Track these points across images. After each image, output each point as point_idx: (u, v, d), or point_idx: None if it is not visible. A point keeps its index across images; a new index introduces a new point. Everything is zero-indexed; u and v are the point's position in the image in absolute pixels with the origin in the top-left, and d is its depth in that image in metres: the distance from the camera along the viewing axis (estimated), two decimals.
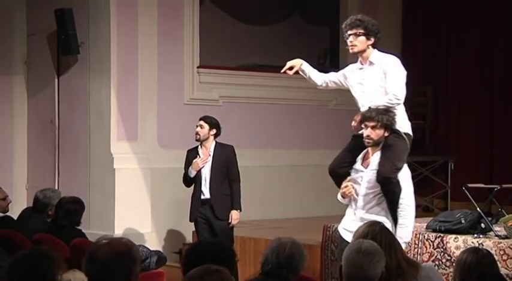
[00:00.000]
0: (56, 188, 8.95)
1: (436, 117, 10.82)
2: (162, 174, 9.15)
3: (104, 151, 9.07)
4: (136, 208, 9.04)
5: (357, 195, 5.77)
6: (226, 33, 10.74)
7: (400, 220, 5.67)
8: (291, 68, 6.29)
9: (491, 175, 9.96)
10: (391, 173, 5.64)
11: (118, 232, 8.80)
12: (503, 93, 10.20)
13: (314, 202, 10.20)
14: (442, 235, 6.63)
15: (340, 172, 5.94)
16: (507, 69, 10.16)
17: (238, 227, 7.73)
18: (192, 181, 7.58)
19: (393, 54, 6.08)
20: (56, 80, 9.65)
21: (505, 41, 10.20)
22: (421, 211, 9.78)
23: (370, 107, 5.74)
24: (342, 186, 5.79)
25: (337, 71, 6.43)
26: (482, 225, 6.59)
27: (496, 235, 6.47)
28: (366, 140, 5.70)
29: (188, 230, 8.64)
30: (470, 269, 4.17)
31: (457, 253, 5.99)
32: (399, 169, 5.70)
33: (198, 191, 7.54)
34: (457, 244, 6.47)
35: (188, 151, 7.70)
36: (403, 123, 5.89)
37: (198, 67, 9.63)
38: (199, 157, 7.53)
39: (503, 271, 5.89)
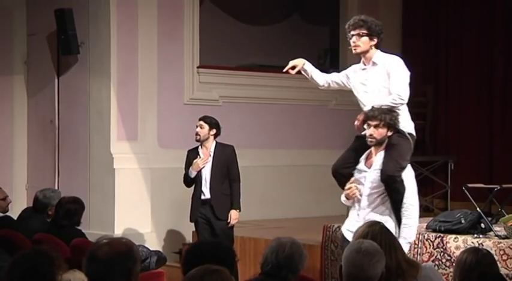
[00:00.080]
0: (56, 188, 8.95)
1: (436, 117, 10.81)
2: (162, 174, 9.15)
3: (103, 151, 9.07)
4: (136, 208, 9.04)
5: (361, 195, 5.76)
6: (226, 33, 10.74)
7: (404, 220, 5.65)
8: (293, 68, 6.28)
9: (491, 175, 9.96)
10: (396, 172, 5.62)
11: (118, 232, 8.80)
12: (503, 93, 10.20)
13: (314, 202, 10.20)
14: (442, 235, 6.63)
15: (343, 172, 5.93)
16: (507, 69, 10.16)
17: (238, 227, 7.73)
18: (192, 181, 7.58)
19: (396, 55, 6.08)
20: (56, 80, 9.65)
21: (505, 41, 10.20)
22: (421, 211, 9.75)
23: (373, 107, 5.74)
24: (346, 187, 5.77)
25: (337, 71, 6.42)
26: (482, 225, 6.59)
27: (496, 235, 6.47)
28: (369, 139, 5.69)
29: (188, 230, 8.64)
30: (470, 269, 4.17)
31: (457, 253, 5.99)
32: (403, 168, 5.69)
33: (198, 191, 7.54)
34: (457, 244, 6.47)
35: (188, 151, 7.70)
36: (406, 124, 5.88)
37: (198, 67, 9.63)
38: (200, 157, 7.53)
39: (503, 271, 5.89)
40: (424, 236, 6.67)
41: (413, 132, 5.95)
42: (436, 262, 6.52)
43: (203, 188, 7.51)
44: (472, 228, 6.62)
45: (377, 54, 5.96)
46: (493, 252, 5.67)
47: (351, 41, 5.96)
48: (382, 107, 5.71)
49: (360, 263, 3.60)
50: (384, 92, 5.85)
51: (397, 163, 5.65)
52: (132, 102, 9.15)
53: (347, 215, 6.03)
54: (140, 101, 9.20)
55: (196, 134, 7.55)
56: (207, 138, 7.55)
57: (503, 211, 7.16)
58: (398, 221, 5.67)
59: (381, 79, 5.89)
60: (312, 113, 10.48)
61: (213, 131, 7.56)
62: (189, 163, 7.60)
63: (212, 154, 7.53)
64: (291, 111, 10.34)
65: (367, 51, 5.96)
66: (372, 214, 5.67)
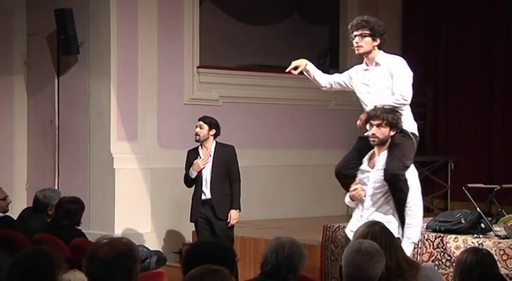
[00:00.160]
0: (56, 188, 8.95)
1: (436, 117, 10.81)
2: (162, 174, 9.15)
3: (103, 151, 9.07)
4: (136, 208, 9.04)
5: (365, 196, 5.76)
6: (226, 33, 10.74)
7: (407, 220, 5.64)
8: (295, 68, 6.27)
9: (491, 175, 9.96)
10: (399, 171, 5.61)
11: (118, 232, 8.80)
12: (503, 93, 10.20)
13: (314, 202, 10.20)
14: (442, 235, 6.63)
15: (346, 173, 5.92)
16: (507, 69, 10.16)
17: (238, 227, 7.73)
18: (193, 182, 7.58)
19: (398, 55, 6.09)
20: (56, 80, 9.65)
21: (505, 41, 10.20)
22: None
23: (375, 106, 5.74)
24: (351, 189, 5.76)
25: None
26: (482, 225, 6.59)
27: (496, 235, 6.47)
28: (371, 138, 5.68)
29: (188, 230, 8.64)
30: (470, 269, 4.17)
31: (457, 253, 5.99)
32: (407, 167, 5.68)
33: (198, 191, 7.54)
34: (457, 244, 6.47)
35: (189, 152, 7.70)
36: (410, 124, 5.88)
37: (198, 67, 9.63)
38: (200, 157, 7.53)
39: (503, 271, 5.89)
40: (424, 236, 6.67)
41: (416, 133, 5.95)
42: (436, 262, 6.52)
43: (204, 189, 7.51)
44: (472, 228, 6.62)
45: (380, 55, 5.95)
46: (493, 252, 5.67)
47: (354, 42, 5.95)
48: (385, 107, 5.70)
49: (360, 263, 3.60)
50: (386, 93, 5.84)
51: (401, 161, 5.64)
52: (132, 102, 9.15)
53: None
54: (140, 101, 9.20)
55: (196, 134, 7.55)
56: (207, 139, 7.55)
57: (503, 211, 7.16)
58: (402, 221, 5.66)
59: (383, 80, 5.88)
60: (312, 113, 10.48)
61: (213, 131, 7.55)
62: (189, 164, 7.59)
63: (212, 154, 7.53)
64: (291, 111, 10.34)
65: (369, 52, 5.94)
66: (376, 213, 5.66)
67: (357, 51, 5.99)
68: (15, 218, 7.14)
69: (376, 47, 5.94)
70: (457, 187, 9.36)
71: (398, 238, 5.55)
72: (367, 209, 5.74)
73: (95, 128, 9.20)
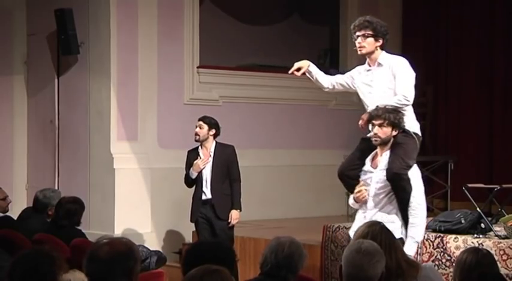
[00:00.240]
0: (56, 188, 8.95)
1: (436, 117, 10.81)
2: (162, 174, 9.15)
3: (103, 151, 9.07)
4: (136, 208, 9.04)
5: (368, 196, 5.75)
6: (226, 33, 10.73)
7: (411, 219, 5.62)
8: (298, 70, 6.25)
9: (491, 175, 9.96)
10: (401, 170, 5.61)
11: (118, 232, 8.80)
12: (503, 93, 10.20)
13: (314, 202, 10.20)
14: (442, 235, 6.63)
15: (349, 174, 5.91)
16: (507, 69, 10.16)
17: (238, 227, 7.73)
18: (193, 182, 7.58)
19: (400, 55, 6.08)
20: (56, 80, 9.65)
21: (505, 41, 10.20)
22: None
23: (377, 106, 5.73)
24: (355, 191, 5.76)
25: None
26: (482, 225, 6.60)
27: (496, 235, 6.47)
28: (374, 138, 5.68)
29: (188, 230, 8.64)
30: (470, 269, 4.17)
31: (457, 253, 5.99)
32: (409, 166, 5.67)
33: (199, 191, 7.54)
34: (457, 244, 6.47)
35: (189, 152, 7.70)
36: (412, 124, 5.88)
37: (198, 67, 9.63)
38: (200, 157, 7.53)
39: (503, 271, 5.89)
40: (424, 236, 6.65)
41: (419, 133, 5.95)
42: (436, 262, 6.52)
43: (204, 189, 7.50)
44: (472, 228, 6.62)
45: (382, 55, 5.94)
46: (493, 252, 5.67)
47: (356, 42, 5.93)
48: (387, 106, 5.70)
49: (360, 263, 3.60)
50: (389, 93, 5.83)
51: (403, 160, 5.63)
52: (132, 102, 9.15)
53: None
54: (140, 101, 9.20)
55: (196, 134, 7.55)
56: (207, 139, 7.54)
57: (503, 211, 7.16)
58: (405, 220, 5.65)
59: (386, 80, 5.87)
60: (312, 113, 10.48)
61: (213, 131, 7.55)
62: (189, 164, 7.59)
63: (212, 154, 7.53)
64: (291, 111, 10.34)
65: (372, 52, 5.93)
66: (379, 213, 5.65)
67: (359, 52, 5.97)
68: (15, 218, 7.14)
69: (378, 48, 5.93)
70: (457, 187, 9.36)
71: (402, 237, 5.56)
72: (370, 209, 5.73)
73: (95, 128, 9.20)
